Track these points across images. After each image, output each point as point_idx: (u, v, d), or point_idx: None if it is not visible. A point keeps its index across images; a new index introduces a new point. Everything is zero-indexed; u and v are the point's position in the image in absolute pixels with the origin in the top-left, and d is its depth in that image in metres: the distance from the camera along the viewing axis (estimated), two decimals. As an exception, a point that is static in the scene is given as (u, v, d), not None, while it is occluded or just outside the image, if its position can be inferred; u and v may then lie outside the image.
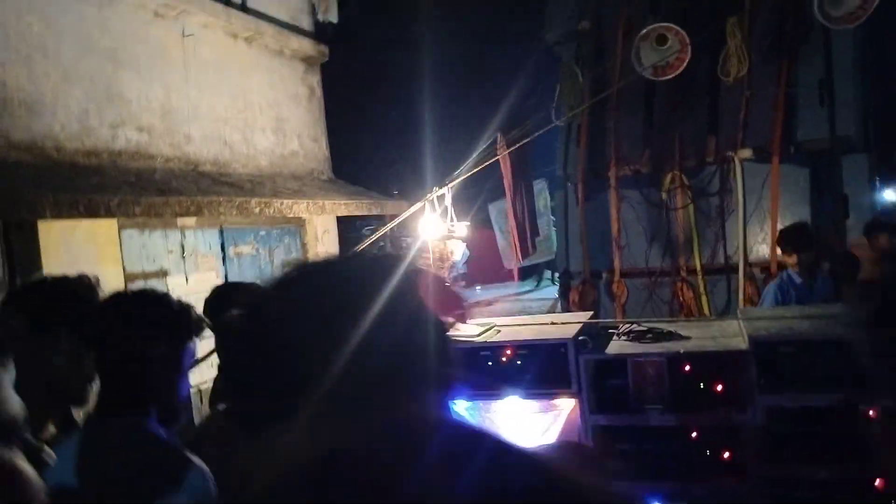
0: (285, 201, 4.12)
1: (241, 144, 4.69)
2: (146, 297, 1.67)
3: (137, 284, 4.46)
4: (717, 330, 2.97)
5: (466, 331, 3.03)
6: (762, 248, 5.87)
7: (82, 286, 1.80)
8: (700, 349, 2.67)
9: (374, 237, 4.65)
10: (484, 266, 14.13)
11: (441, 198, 4.02)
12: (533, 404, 2.86)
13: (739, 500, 2.65)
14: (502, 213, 9.40)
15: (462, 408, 2.86)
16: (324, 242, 5.05)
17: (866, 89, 6.05)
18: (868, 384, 2.44)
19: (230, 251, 4.48)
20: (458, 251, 9.93)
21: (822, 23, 5.14)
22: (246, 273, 4.41)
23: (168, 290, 4.30)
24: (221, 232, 4.62)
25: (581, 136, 6.51)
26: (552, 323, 3.10)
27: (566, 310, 7.10)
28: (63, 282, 1.81)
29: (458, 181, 4.14)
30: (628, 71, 5.79)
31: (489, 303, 11.97)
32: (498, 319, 3.38)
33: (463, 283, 13.95)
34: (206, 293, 2.41)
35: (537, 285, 14.99)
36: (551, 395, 2.82)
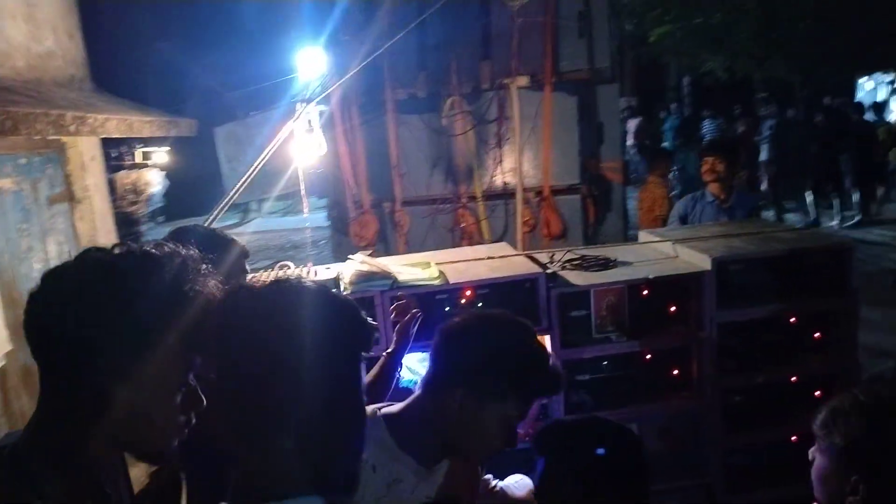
0: (76, 115, 3.05)
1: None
2: None
3: None
4: (644, 253, 3.00)
5: (406, 274, 2.60)
6: (537, 175, 6.19)
7: None
8: (664, 273, 2.66)
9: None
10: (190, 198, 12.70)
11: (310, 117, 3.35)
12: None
13: (696, 414, 2.78)
14: (232, 137, 8.46)
15: (418, 360, 2.46)
16: (92, 173, 3.94)
17: (614, 23, 6.61)
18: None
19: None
20: (157, 182, 8.72)
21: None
22: (9, 218, 3.23)
23: None
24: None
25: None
26: (489, 258, 2.83)
27: (339, 243, 6.75)
28: None
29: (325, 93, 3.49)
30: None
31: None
32: (411, 257, 2.98)
33: (162, 219, 12.52)
34: None
35: (245, 218, 14.19)
36: (522, 335, 2.58)
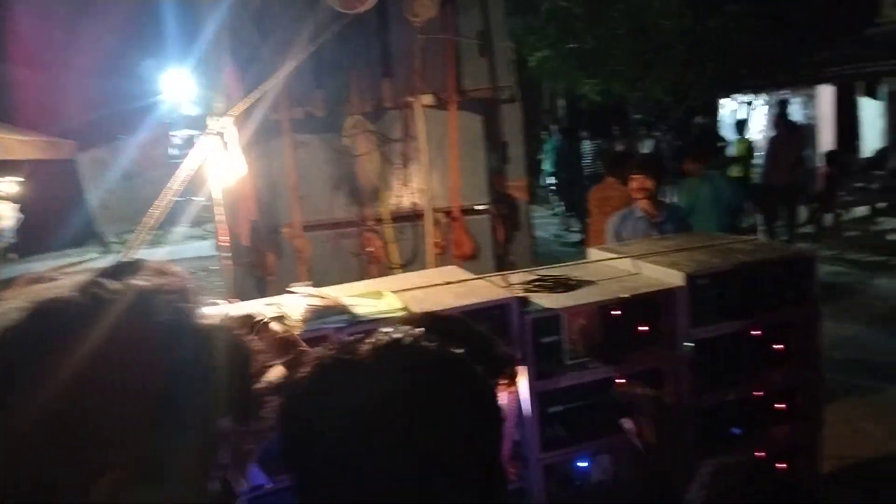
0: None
1: None
2: None
3: None
4: (603, 271, 2.84)
5: (364, 307, 2.28)
6: (446, 195, 6.01)
7: None
8: (638, 291, 2.51)
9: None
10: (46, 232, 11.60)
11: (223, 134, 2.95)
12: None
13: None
14: (97, 163, 7.70)
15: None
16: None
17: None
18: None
19: None
20: (8, 216, 7.82)
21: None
22: None
23: None
24: None
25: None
26: (447, 283, 2.55)
27: (234, 273, 6.22)
28: None
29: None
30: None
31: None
32: (355, 287, 2.64)
33: (15, 256, 11.27)
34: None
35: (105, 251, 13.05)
36: (496, 368, 2.32)
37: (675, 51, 13.94)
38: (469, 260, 6.04)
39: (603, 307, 2.49)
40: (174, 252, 11.52)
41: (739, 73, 14.55)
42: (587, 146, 13.18)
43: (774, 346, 2.77)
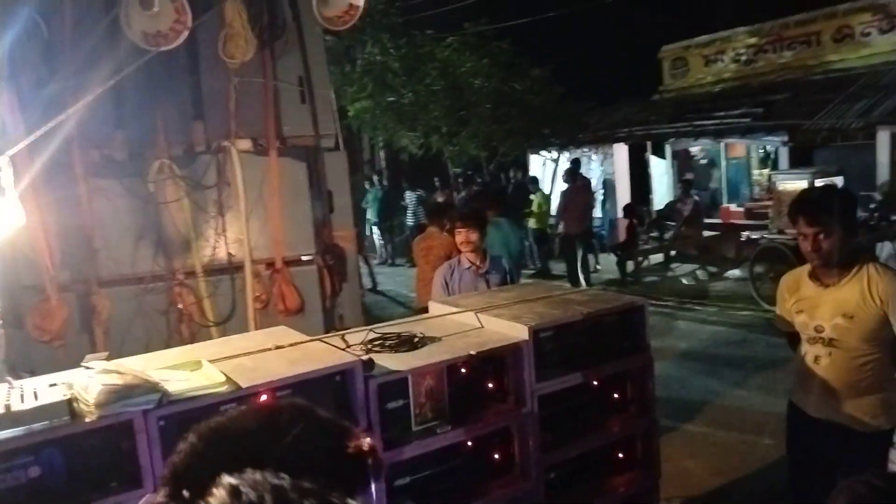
0: None
1: None
2: None
3: None
4: (444, 326, 2.70)
5: (178, 382, 1.92)
6: (268, 245, 5.66)
7: None
8: (485, 347, 2.37)
9: None
10: None
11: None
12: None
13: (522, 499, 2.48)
14: None
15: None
16: None
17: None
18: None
19: None
20: None
21: (302, 19, 5.28)
22: None
23: None
24: None
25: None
26: (278, 347, 2.25)
27: (11, 339, 5.35)
28: None
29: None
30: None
31: None
32: (165, 356, 2.25)
33: None
34: None
35: None
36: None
37: (486, 109, 14.71)
38: (294, 315, 5.66)
39: (451, 366, 2.33)
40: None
41: (543, 131, 15.73)
42: (409, 196, 13.31)
43: (614, 396, 2.76)
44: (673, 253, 13.73)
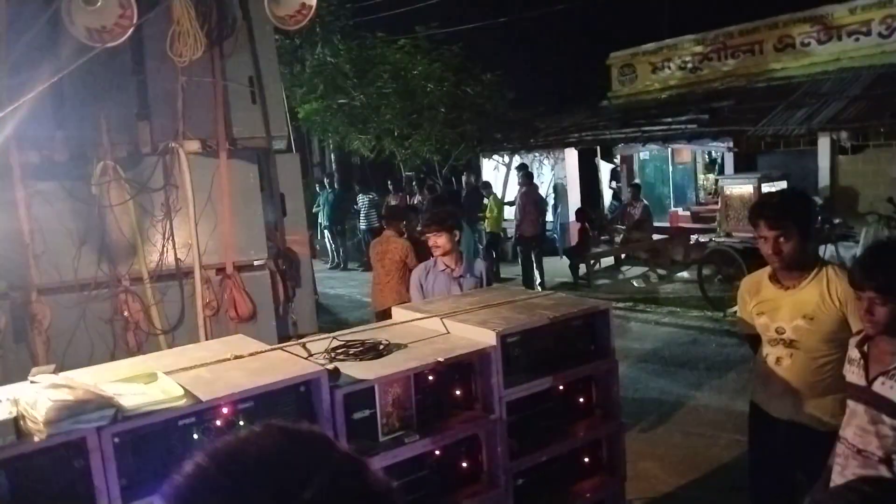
0: None
1: None
2: None
3: None
4: (411, 332, 2.62)
5: (133, 396, 1.80)
6: (218, 250, 5.48)
7: None
8: (453, 353, 2.31)
9: None
10: None
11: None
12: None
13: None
14: None
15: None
16: None
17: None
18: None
19: None
20: None
21: (252, 17, 5.17)
22: None
23: None
24: None
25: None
26: (237, 357, 2.14)
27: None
28: None
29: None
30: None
31: None
32: (115, 368, 2.11)
33: None
34: None
35: None
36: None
37: (438, 112, 14.72)
38: (246, 322, 5.50)
39: (418, 373, 2.25)
40: None
41: (495, 136, 15.83)
42: (362, 199, 13.17)
43: (580, 400, 2.73)
44: (623, 256, 13.93)
